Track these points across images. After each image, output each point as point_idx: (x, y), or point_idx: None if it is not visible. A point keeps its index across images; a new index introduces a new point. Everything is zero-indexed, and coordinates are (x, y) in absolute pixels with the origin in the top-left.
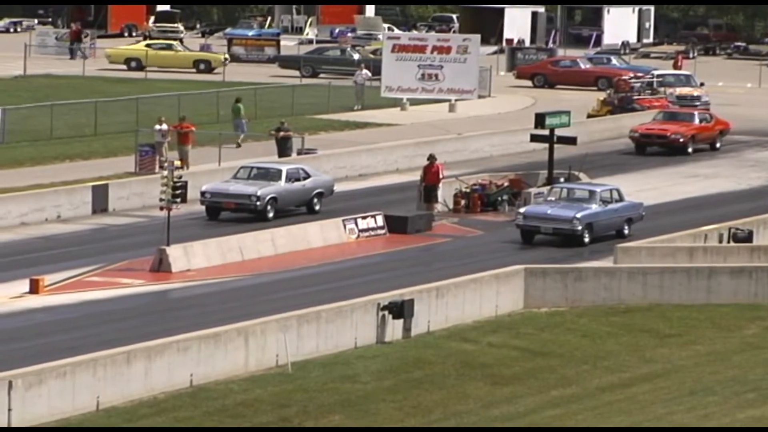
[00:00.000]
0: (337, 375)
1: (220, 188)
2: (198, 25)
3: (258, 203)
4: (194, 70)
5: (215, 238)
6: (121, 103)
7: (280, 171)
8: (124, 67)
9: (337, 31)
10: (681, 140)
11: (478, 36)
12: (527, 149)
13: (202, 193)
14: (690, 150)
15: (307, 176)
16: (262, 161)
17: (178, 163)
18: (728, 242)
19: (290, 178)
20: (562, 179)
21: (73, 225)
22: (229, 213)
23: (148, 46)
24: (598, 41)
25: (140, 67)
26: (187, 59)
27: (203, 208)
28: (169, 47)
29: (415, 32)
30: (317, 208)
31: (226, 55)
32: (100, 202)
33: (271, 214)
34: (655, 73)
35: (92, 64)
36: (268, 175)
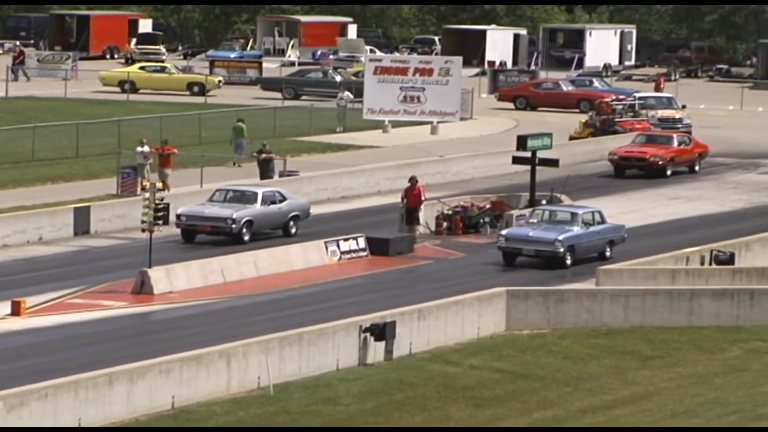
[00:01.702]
0: (319, 397)
1: (196, 211)
2: (180, 47)
3: (233, 226)
4: (188, 92)
5: (197, 260)
6: (102, 125)
7: (255, 194)
8: (118, 89)
9: (319, 53)
10: (660, 163)
11: (460, 58)
12: (509, 171)
13: (178, 216)
14: (669, 173)
15: (283, 199)
16: (239, 184)
17: (160, 185)
18: (710, 264)
19: (266, 201)
20: (544, 201)
21: (55, 247)
22: (205, 236)
23: (142, 68)
24: (580, 63)
25: (134, 90)
26: (181, 82)
27: (179, 231)
28: (163, 69)
29: (397, 54)
30: (293, 231)
31: (221, 78)
32: (82, 224)
33: (246, 237)
34: (637, 95)
35: (75, 85)
36: (243, 197)
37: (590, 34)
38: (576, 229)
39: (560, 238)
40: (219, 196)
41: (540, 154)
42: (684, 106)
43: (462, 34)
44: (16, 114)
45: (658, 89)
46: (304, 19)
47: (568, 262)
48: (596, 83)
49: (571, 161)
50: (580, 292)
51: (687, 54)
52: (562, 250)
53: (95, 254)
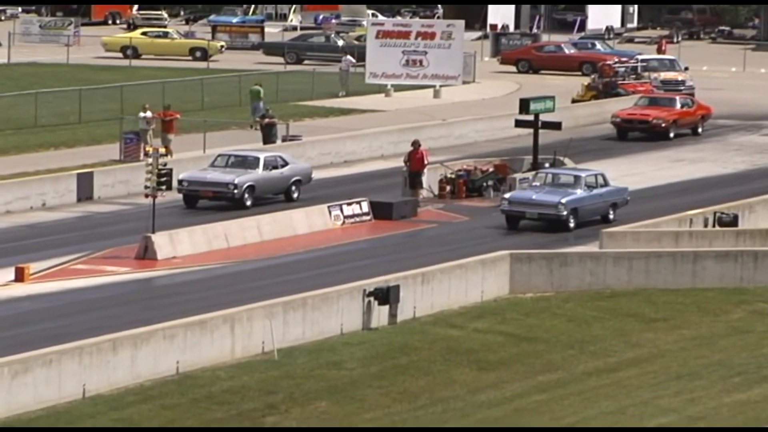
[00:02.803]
0: (323, 361)
1: (198, 176)
2: (182, 12)
3: (235, 191)
4: (190, 57)
5: (200, 225)
6: (105, 90)
7: (257, 159)
8: (120, 55)
9: (321, 17)
10: (662, 125)
11: (462, 21)
12: (512, 135)
13: (180, 182)
14: (671, 135)
15: (285, 164)
16: (240, 149)
17: (163, 150)
18: (713, 226)
19: (268, 166)
20: (547, 164)
21: (58, 213)
22: (206, 201)
23: (144, 33)
24: (582, 26)
25: (136, 55)
26: (183, 47)
27: (181, 196)
28: (165, 35)
29: (399, 18)
30: (295, 195)
31: (223, 43)
32: (85, 190)
33: (249, 203)
34: (640, 57)
35: (77, 51)
36: (245, 163)
37: None
38: (579, 192)
39: (563, 201)
40: (221, 161)
41: (543, 117)
42: (686, 68)
43: None
44: (19, 80)
45: (660, 51)
46: None
47: (572, 225)
48: (598, 46)
49: (574, 124)
50: (584, 255)
51: (689, 16)
52: (565, 213)
53: (98, 220)
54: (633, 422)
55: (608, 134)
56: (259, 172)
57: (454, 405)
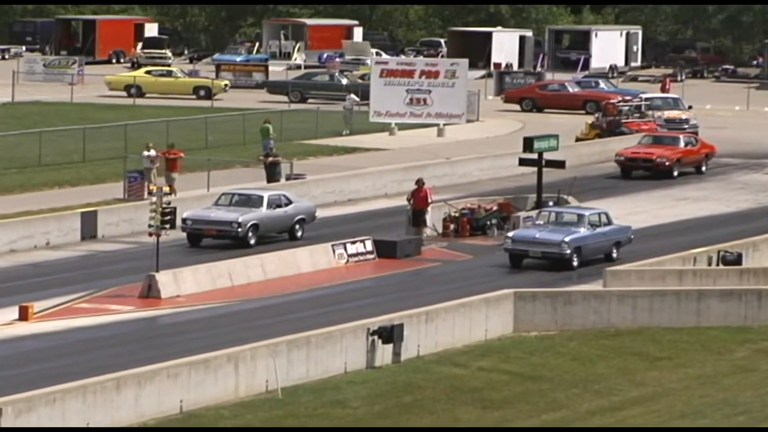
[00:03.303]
0: (327, 400)
1: (201, 215)
2: (186, 51)
3: (239, 230)
4: (194, 96)
5: (204, 263)
6: (109, 129)
7: (261, 197)
8: (124, 93)
9: (325, 56)
10: (666, 164)
11: (466, 60)
12: (516, 173)
13: (184, 220)
14: (675, 174)
15: (289, 202)
16: (244, 188)
17: (167, 189)
18: (717, 265)
19: (272, 205)
20: (551, 203)
21: (62, 252)
22: (210, 240)
23: (148, 72)
24: (586, 65)
25: (140, 94)
26: (187, 86)
27: (184, 235)
28: (169, 74)
29: (403, 57)
30: (299, 234)
31: (227, 81)
32: (89, 228)
33: (252, 241)
34: (643, 96)
35: (80, 90)
36: (249, 201)
37: (596, 35)
38: (582, 231)
39: (567, 239)
40: (225, 200)
41: (546, 156)
42: (690, 107)
43: (468, 36)
44: (23, 119)
45: (664, 90)
46: (309, 22)
47: (575, 263)
48: (602, 84)
49: (578, 162)
50: (588, 294)
51: (693, 55)
52: (568, 251)
53: (102, 258)
54: None
55: (612, 173)
56: (263, 210)
57: None
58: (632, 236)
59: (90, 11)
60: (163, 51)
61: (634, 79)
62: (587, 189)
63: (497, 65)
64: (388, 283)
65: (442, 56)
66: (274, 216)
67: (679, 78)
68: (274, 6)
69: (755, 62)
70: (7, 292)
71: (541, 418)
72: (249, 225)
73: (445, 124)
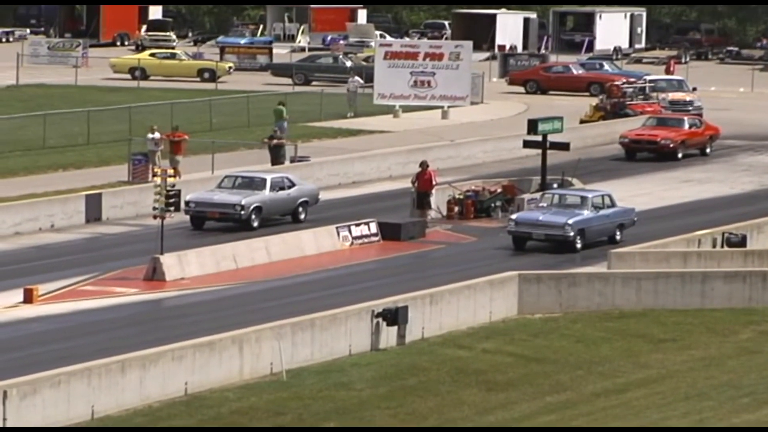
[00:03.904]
0: (331, 382)
1: (205, 198)
2: (190, 34)
3: (242, 212)
4: (198, 78)
5: (209, 246)
6: (113, 112)
7: (264, 180)
8: (128, 76)
9: (329, 38)
10: (671, 146)
11: (470, 42)
12: (520, 155)
13: (187, 203)
14: (680, 155)
15: (292, 185)
16: (247, 170)
17: (171, 171)
18: (722, 247)
19: (274, 187)
20: (555, 185)
21: (67, 234)
22: (213, 222)
23: (152, 55)
24: (590, 47)
25: (144, 77)
26: (192, 68)
27: (188, 217)
28: (174, 56)
29: (407, 39)
30: (302, 217)
31: (231, 64)
32: (93, 211)
33: (255, 224)
34: (648, 78)
35: (85, 73)
36: (252, 184)
37: (600, 17)
38: (586, 213)
39: (570, 221)
40: (228, 183)
41: (551, 138)
42: (695, 89)
43: (472, 19)
44: (27, 102)
45: (668, 72)
46: (313, 5)
47: (579, 245)
48: (606, 66)
49: (582, 144)
50: (592, 276)
51: (697, 36)
52: (572, 233)
53: (107, 241)
54: None
55: (616, 155)
56: (266, 193)
57: (463, 426)
58: (636, 218)
59: None
60: (168, 33)
61: (639, 61)
62: (591, 171)
63: (501, 47)
64: (392, 265)
65: (447, 38)
66: (277, 198)
67: (683, 60)
68: None
69: (759, 44)
70: (11, 274)
71: (545, 400)
72: (252, 207)
73: (449, 107)
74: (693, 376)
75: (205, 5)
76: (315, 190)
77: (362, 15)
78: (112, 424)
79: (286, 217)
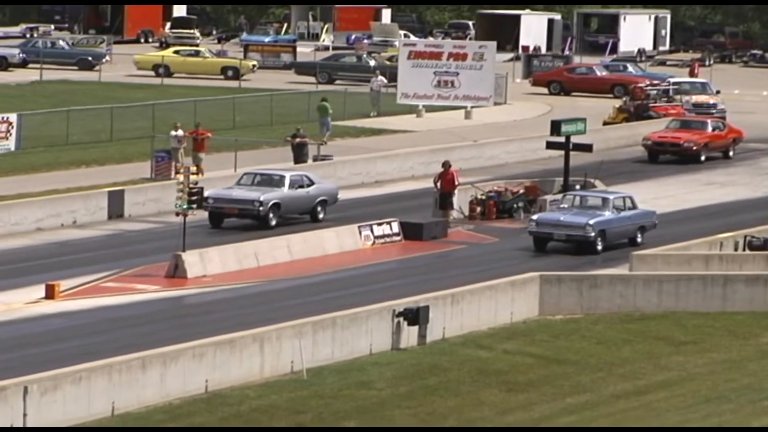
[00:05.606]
0: (352, 381)
1: (223, 194)
2: (214, 31)
3: (261, 209)
4: (222, 76)
5: (230, 244)
6: (136, 108)
7: (283, 177)
8: (152, 73)
9: (353, 37)
10: (694, 148)
11: (494, 43)
12: (543, 156)
13: (205, 199)
14: (703, 158)
15: (311, 183)
16: (266, 168)
17: (194, 169)
18: (744, 250)
19: (293, 185)
20: (577, 186)
21: (89, 231)
22: (232, 220)
23: (176, 52)
24: (614, 48)
25: (168, 74)
26: (215, 66)
27: (206, 215)
28: (197, 54)
29: (431, 39)
30: (321, 216)
31: (255, 62)
32: (116, 207)
33: (273, 222)
34: (671, 80)
35: (109, 69)
36: (271, 181)
37: (624, 19)
38: (607, 214)
39: (591, 222)
40: (247, 180)
41: (574, 139)
42: (718, 92)
43: (496, 19)
44: (51, 98)
45: (692, 74)
46: (338, 4)
47: (599, 247)
48: (630, 68)
49: (605, 146)
50: (614, 278)
51: (721, 39)
52: (593, 234)
53: (129, 238)
54: None
55: (639, 157)
56: (285, 190)
57: (483, 426)
58: (656, 221)
59: None
60: (191, 31)
61: (663, 63)
62: (614, 173)
63: (525, 48)
64: (414, 265)
65: (470, 39)
66: (295, 196)
67: (707, 62)
68: None
69: None
70: (33, 270)
71: (565, 401)
72: (270, 204)
73: (472, 107)
74: (713, 378)
75: (230, 5)
76: (334, 189)
77: (386, 14)
78: (133, 421)
79: (304, 216)
